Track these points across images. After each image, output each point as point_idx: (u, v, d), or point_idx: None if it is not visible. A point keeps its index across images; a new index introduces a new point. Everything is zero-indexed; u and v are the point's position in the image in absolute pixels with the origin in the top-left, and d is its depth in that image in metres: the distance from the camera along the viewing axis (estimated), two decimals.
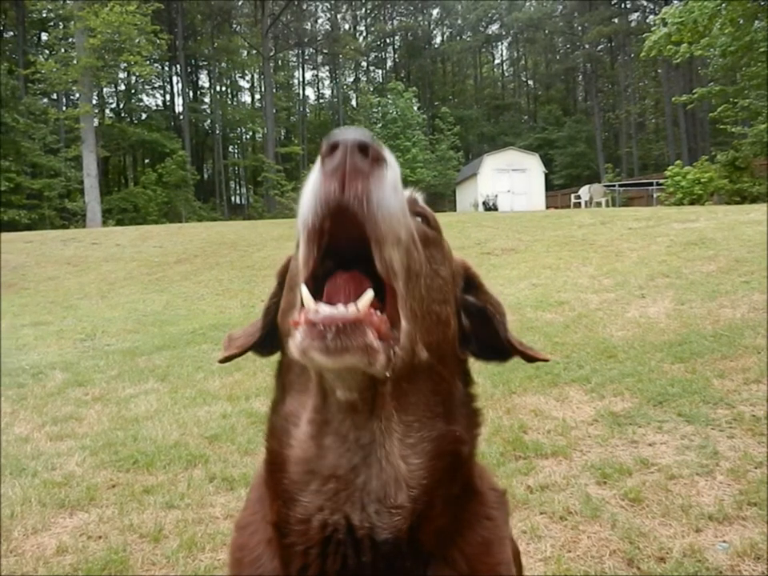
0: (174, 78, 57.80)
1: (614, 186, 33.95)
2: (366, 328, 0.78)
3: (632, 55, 52.03)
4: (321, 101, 71.73)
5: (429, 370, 0.94)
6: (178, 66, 53.19)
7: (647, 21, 47.90)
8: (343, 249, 0.87)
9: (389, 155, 0.85)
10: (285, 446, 0.96)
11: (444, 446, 0.95)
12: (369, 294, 0.82)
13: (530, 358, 1.19)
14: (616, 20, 55.66)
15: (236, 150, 63.66)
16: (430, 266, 0.97)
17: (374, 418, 0.90)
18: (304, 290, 0.84)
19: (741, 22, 17.69)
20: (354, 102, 64.17)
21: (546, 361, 1.25)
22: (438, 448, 0.94)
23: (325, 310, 0.79)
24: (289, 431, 0.96)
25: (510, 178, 34.01)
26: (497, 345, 1.17)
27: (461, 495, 0.99)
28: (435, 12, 69.52)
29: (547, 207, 32.48)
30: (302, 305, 0.83)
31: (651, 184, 30.71)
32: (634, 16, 57.26)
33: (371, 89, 56.96)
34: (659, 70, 52.70)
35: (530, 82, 74.30)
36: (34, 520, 3.15)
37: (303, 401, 0.95)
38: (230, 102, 60.53)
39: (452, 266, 1.08)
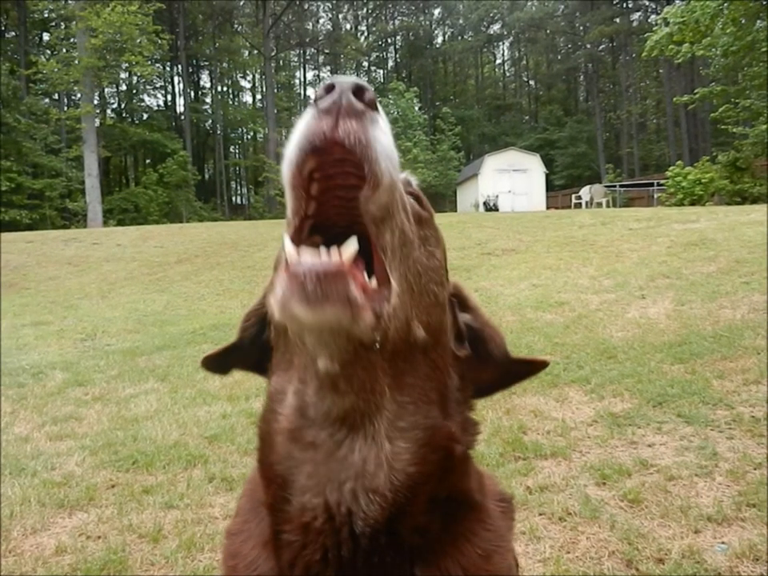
0: (176, 78, 57.93)
1: (614, 186, 33.95)
2: (349, 279, 0.74)
3: (633, 55, 51.98)
4: None
5: (425, 352, 0.91)
6: (179, 66, 53.24)
7: (649, 20, 47.92)
8: (332, 221, 0.85)
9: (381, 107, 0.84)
10: (272, 423, 0.93)
11: (437, 438, 0.91)
12: (353, 244, 0.80)
13: (531, 365, 1.18)
14: (618, 20, 55.66)
15: (237, 151, 63.76)
16: (424, 246, 0.94)
17: (364, 392, 0.85)
18: (287, 242, 0.81)
19: (743, 21, 17.70)
20: None
21: (546, 365, 1.23)
22: (429, 438, 0.90)
23: (307, 259, 0.75)
24: (275, 409, 0.93)
25: (511, 179, 34.02)
26: (487, 373, 1.12)
27: (451, 502, 0.95)
28: (437, 12, 69.60)
29: (548, 208, 32.50)
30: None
31: (652, 184, 30.71)
32: (636, 16, 57.27)
33: (372, 89, 56.92)
34: (661, 70, 52.69)
35: (532, 82, 74.31)
36: (33, 520, 3.15)
37: (288, 376, 0.92)
38: (231, 102, 60.62)
39: (445, 252, 1.05)
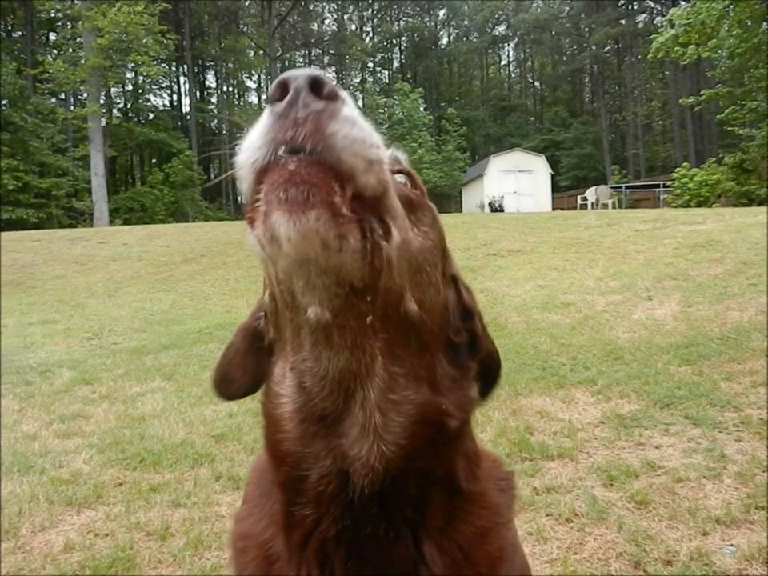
0: (181, 78, 58.09)
1: (620, 187, 33.85)
2: (334, 188, 0.73)
3: (639, 57, 51.88)
4: None
5: (417, 330, 0.89)
6: (185, 66, 53.38)
7: (654, 22, 47.86)
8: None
9: (344, 93, 0.77)
10: (275, 401, 0.94)
11: (428, 415, 0.90)
12: None
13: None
14: (623, 21, 55.59)
15: None
16: (417, 227, 0.92)
17: (356, 350, 0.84)
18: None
19: (749, 23, 17.65)
20: (360, 103, 64.16)
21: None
22: (421, 414, 0.89)
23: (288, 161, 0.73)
24: (277, 391, 0.94)
25: (516, 180, 33.99)
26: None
27: (445, 480, 0.96)
28: (442, 13, 69.65)
29: (553, 209, 32.47)
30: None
31: (658, 186, 30.62)
32: (642, 17, 57.16)
33: (377, 89, 57.10)
34: (666, 72, 52.59)
35: (537, 84, 74.27)
36: (41, 517, 3.16)
37: (285, 355, 0.93)
38: (236, 103, 60.69)
39: (441, 232, 1.02)
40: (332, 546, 0.90)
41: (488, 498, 1.04)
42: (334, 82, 0.76)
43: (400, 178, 0.95)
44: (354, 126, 0.74)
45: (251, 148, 0.75)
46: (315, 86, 0.73)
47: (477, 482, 1.04)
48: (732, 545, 2.63)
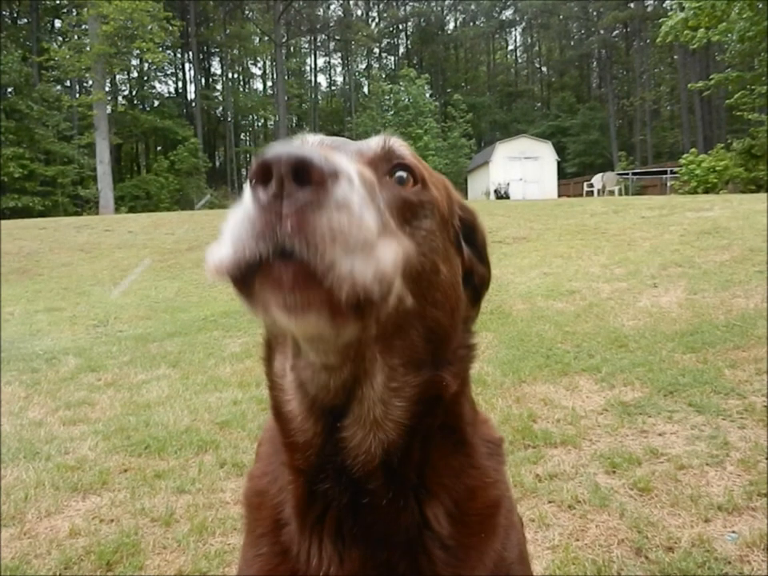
0: (186, 65, 57.93)
1: (627, 174, 33.68)
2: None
3: (647, 41, 51.43)
4: (333, 88, 71.58)
5: (420, 314, 0.90)
6: (190, 52, 53.17)
7: (664, 6, 47.18)
8: None
9: (338, 162, 0.72)
10: (282, 403, 0.97)
11: (429, 390, 0.93)
12: None
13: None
14: (632, 5, 54.91)
15: (248, 138, 63.76)
16: (414, 234, 0.90)
17: (357, 367, 0.87)
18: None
19: (759, 6, 17.39)
20: (365, 89, 63.82)
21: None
22: (421, 393, 0.92)
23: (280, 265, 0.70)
24: (282, 387, 0.97)
25: (523, 166, 33.78)
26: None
27: (445, 437, 1.00)
28: None
29: (559, 195, 32.28)
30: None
31: (665, 172, 30.44)
32: (650, 1, 56.47)
33: (383, 75, 56.57)
34: (675, 56, 52.04)
35: (544, 69, 73.65)
36: (47, 503, 3.20)
37: (285, 356, 0.96)
38: (241, 89, 60.56)
39: (441, 211, 0.99)
40: (345, 516, 0.94)
41: (479, 457, 1.07)
42: (323, 158, 0.69)
43: (400, 172, 0.93)
44: (343, 214, 0.69)
45: (236, 241, 0.71)
46: (300, 172, 0.68)
47: (474, 437, 1.07)
48: (734, 532, 2.63)
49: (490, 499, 1.05)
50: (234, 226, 0.72)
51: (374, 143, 0.96)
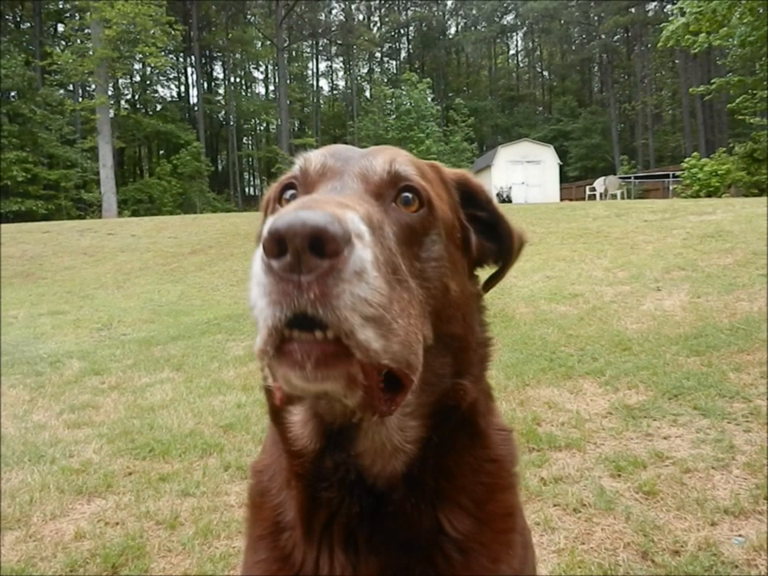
0: (189, 69, 58.08)
1: (629, 178, 33.67)
2: (352, 360, 0.72)
3: (649, 45, 51.45)
4: (335, 92, 71.68)
5: (435, 338, 0.90)
6: (192, 57, 53.33)
7: (665, 10, 47.31)
8: None
9: (349, 222, 0.71)
10: (287, 414, 0.97)
11: (447, 401, 0.94)
12: None
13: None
14: (633, 10, 55.00)
15: (250, 142, 63.86)
16: (420, 262, 0.89)
17: (371, 411, 0.85)
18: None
19: (760, 11, 17.39)
20: (367, 93, 63.96)
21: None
22: (439, 404, 0.94)
23: (301, 337, 0.71)
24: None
25: (525, 170, 33.80)
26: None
27: (461, 434, 1.00)
28: (450, 2, 69.22)
29: (562, 199, 32.30)
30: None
31: (667, 176, 30.43)
32: (652, 5, 56.53)
33: (385, 80, 56.82)
34: (677, 61, 52.10)
35: (545, 73, 73.74)
36: (52, 506, 3.20)
37: None
38: (244, 93, 60.66)
39: (448, 225, 0.99)
40: (356, 524, 0.94)
41: (495, 450, 1.07)
42: (336, 224, 0.69)
43: (406, 194, 0.92)
44: (361, 282, 0.70)
45: (258, 309, 0.73)
46: (316, 244, 0.68)
47: (489, 426, 1.08)
48: (740, 535, 2.62)
49: (508, 503, 1.04)
50: (255, 295, 0.73)
51: (379, 166, 0.93)
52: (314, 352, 0.70)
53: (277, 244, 0.69)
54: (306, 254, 0.68)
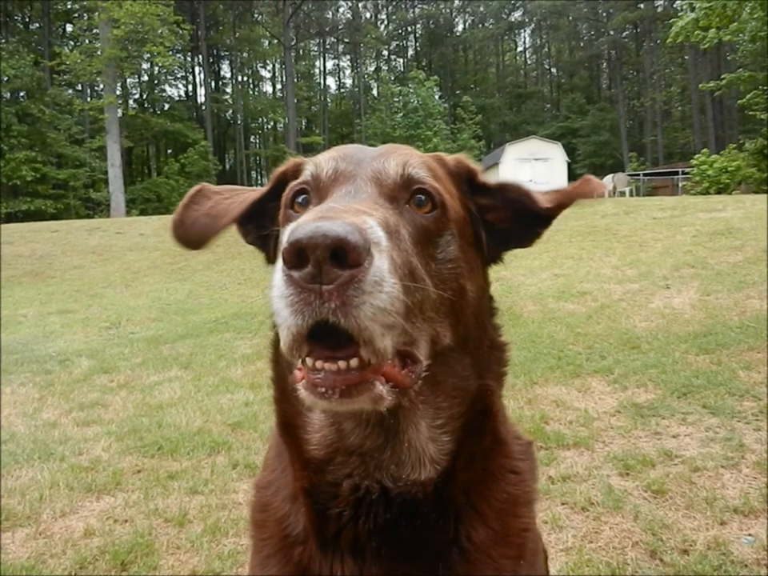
0: (197, 69, 58.22)
1: (638, 175, 33.48)
2: (374, 380, 0.76)
3: (658, 41, 51.12)
4: (342, 90, 71.61)
5: (457, 339, 0.93)
6: (200, 56, 53.43)
7: (674, 6, 46.94)
8: None
9: (368, 231, 0.73)
10: (301, 431, 0.96)
11: (476, 404, 0.96)
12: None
13: (577, 196, 1.15)
14: (642, 5, 54.63)
15: (257, 140, 63.93)
16: (435, 263, 0.90)
17: (397, 428, 0.91)
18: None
19: None
20: (375, 92, 63.85)
21: (589, 196, 1.16)
22: (469, 410, 0.95)
23: (325, 368, 0.75)
24: (302, 413, 0.96)
25: (533, 168, 33.64)
26: (523, 225, 1.17)
27: (486, 442, 1.00)
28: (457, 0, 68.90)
29: None
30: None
31: (677, 173, 30.25)
32: (661, 1, 56.14)
33: (392, 78, 56.62)
34: (686, 56, 51.69)
35: (553, 70, 73.39)
36: (62, 503, 3.22)
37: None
38: (251, 92, 60.79)
39: (459, 224, 0.99)
40: (365, 537, 0.93)
41: (516, 460, 1.07)
42: (356, 234, 0.70)
43: (419, 196, 0.93)
44: (381, 293, 0.72)
45: (281, 318, 0.75)
46: (338, 255, 0.69)
47: (508, 435, 1.09)
48: (750, 534, 2.60)
49: (526, 519, 1.04)
50: (283, 318, 0.75)
51: (391, 169, 0.93)
52: (338, 385, 0.74)
53: (297, 255, 0.70)
54: (327, 264, 0.69)
